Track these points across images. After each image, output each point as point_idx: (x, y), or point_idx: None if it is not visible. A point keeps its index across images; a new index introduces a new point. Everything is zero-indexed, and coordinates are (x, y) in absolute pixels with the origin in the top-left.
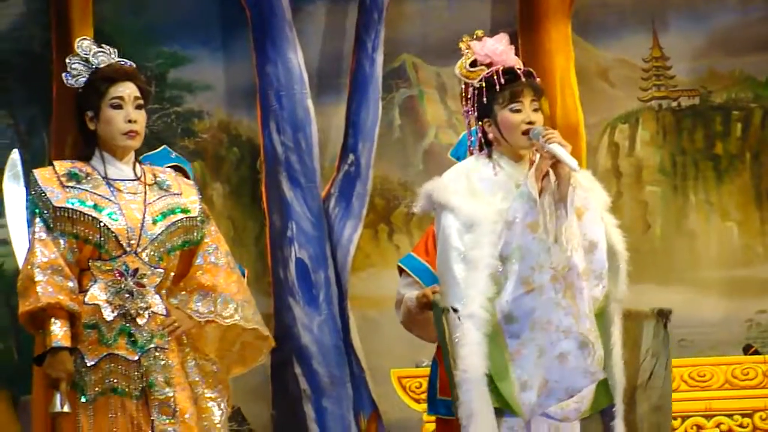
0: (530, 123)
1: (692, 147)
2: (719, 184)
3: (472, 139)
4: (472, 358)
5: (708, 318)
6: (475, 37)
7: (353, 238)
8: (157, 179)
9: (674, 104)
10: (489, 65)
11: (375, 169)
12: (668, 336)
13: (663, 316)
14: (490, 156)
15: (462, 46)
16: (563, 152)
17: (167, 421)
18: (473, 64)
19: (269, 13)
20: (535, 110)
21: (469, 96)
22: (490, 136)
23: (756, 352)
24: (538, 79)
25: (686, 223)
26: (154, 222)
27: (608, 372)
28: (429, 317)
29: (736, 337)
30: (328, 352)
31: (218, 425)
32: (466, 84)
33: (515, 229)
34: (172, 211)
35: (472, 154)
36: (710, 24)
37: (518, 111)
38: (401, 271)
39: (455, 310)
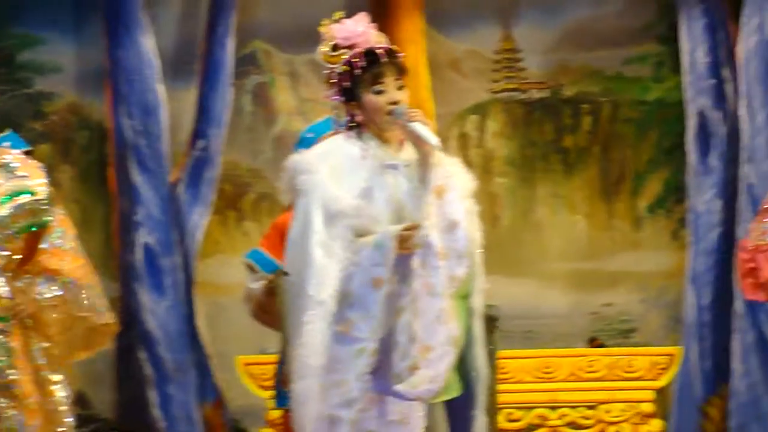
0: (394, 103)
1: (541, 139)
2: (567, 177)
3: (340, 123)
4: (314, 345)
5: (554, 310)
6: (335, 20)
7: (201, 224)
8: (4, 161)
9: (524, 96)
10: (350, 47)
11: (224, 156)
12: (495, 341)
13: (491, 320)
14: (359, 137)
15: (322, 30)
16: (424, 130)
17: (10, 404)
18: (335, 48)
19: None
20: (400, 88)
21: (333, 81)
22: (358, 118)
23: (600, 345)
24: (401, 56)
25: (534, 216)
26: (0, 203)
27: (470, 363)
28: (275, 306)
29: (582, 330)
30: (173, 337)
31: (62, 408)
32: (329, 69)
33: (357, 276)
34: (18, 194)
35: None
36: (562, 17)
37: (381, 92)
38: (248, 266)
39: (286, 274)
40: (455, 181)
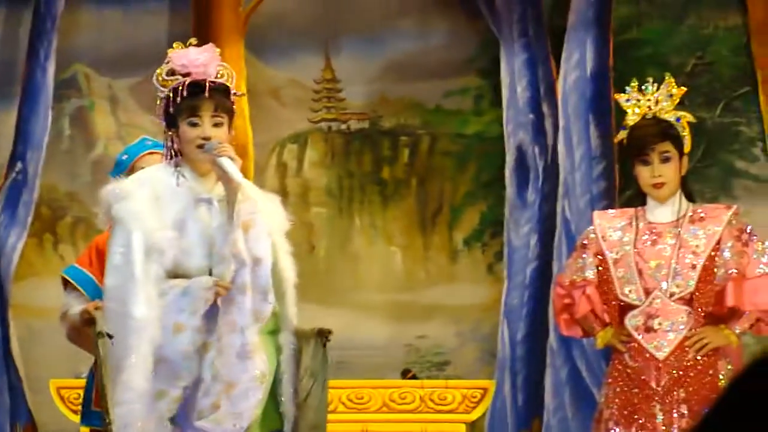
0: (206, 138)
1: (360, 170)
2: (385, 209)
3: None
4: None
5: (368, 341)
6: (187, 45)
7: (17, 247)
8: None
9: (344, 127)
10: (186, 75)
11: (42, 179)
12: (327, 356)
13: (322, 335)
14: (176, 166)
15: (169, 52)
16: (231, 166)
17: None
18: (170, 72)
19: None
20: (216, 125)
21: (160, 104)
22: (175, 146)
23: (414, 377)
24: (234, 95)
25: (350, 246)
26: None
27: (280, 399)
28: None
29: (396, 361)
30: None
31: None
32: (159, 92)
33: (160, 319)
34: None
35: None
36: (383, 49)
37: (195, 125)
38: (65, 282)
39: (110, 336)
40: (261, 217)
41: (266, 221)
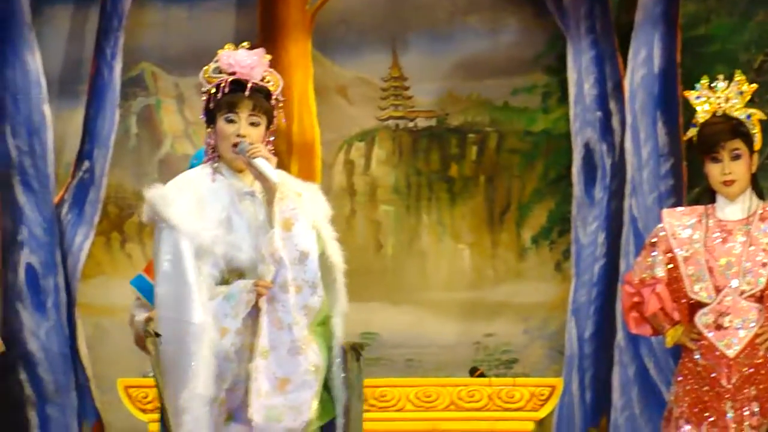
0: (241, 136)
1: (427, 168)
2: (452, 206)
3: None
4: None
5: (436, 339)
6: (240, 46)
7: (84, 246)
8: None
9: (411, 125)
10: (231, 74)
11: (109, 177)
12: (362, 369)
13: (356, 350)
14: (215, 165)
15: (219, 53)
16: (266, 166)
17: None
18: (217, 71)
19: (8, 14)
20: (253, 124)
21: (203, 99)
22: (213, 142)
23: (482, 375)
24: (275, 100)
25: (418, 244)
26: None
27: (331, 386)
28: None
29: (464, 359)
30: (54, 359)
31: None
32: (203, 89)
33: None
34: None
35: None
36: (451, 47)
37: (232, 122)
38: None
39: (157, 335)
40: (303, 211)
41: (308, 213)
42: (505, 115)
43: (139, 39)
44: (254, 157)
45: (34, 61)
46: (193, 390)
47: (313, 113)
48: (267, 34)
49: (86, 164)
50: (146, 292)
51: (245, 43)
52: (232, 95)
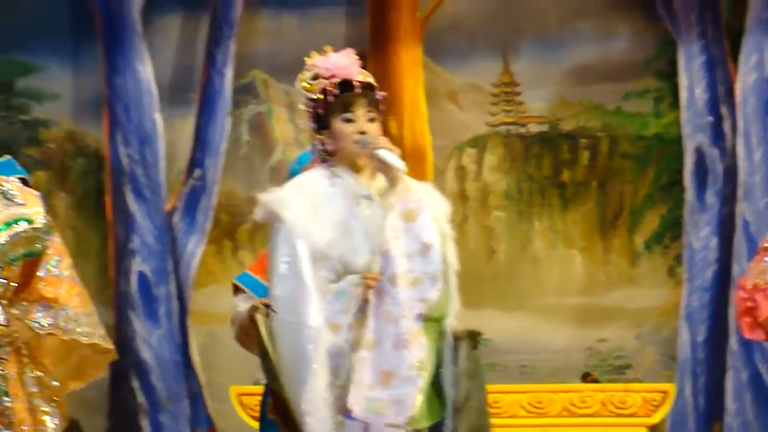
0: (362, 132)
1: (539, 174)
2: (564, 212)
3: (316, 152)
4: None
5: (549, 345)
6: (322, 52)
7: (196, 253)
8: (2, 189)
9: (522, 130)
10: (330, 78)
11: (221, 185)
12: (480, 357)
13: (473, 337)
14: (332, 168)
15: (307, 60)
16: (390, 155)
17: (4, 431)
18: (315, 77)
19: (119, 24)
20: (370, 120)
21: (308, 109)
22: (329, 147)
23: (594, 381)
24: (380, 93)
25: (530, 250)
26: None
27: (441, 384)
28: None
29: (576, 365)
30: (166, 367)
31: None
32: (306, 97)
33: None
34: (16, 221)
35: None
36: (562, 52)
37: (350, 121)
38: (236, 289)
39: (267, 306)
40: (427, 204)
41: (431, 207)
42: (617, 120)
43: (249, 47)
44: (378, 149)
45: (145, 70)
46: (313, 392)
47: (425, 119)
48: (377, 41)
49: (198, 172)
50: (254, 287)
51: (327, 48)
52: (345, 95)
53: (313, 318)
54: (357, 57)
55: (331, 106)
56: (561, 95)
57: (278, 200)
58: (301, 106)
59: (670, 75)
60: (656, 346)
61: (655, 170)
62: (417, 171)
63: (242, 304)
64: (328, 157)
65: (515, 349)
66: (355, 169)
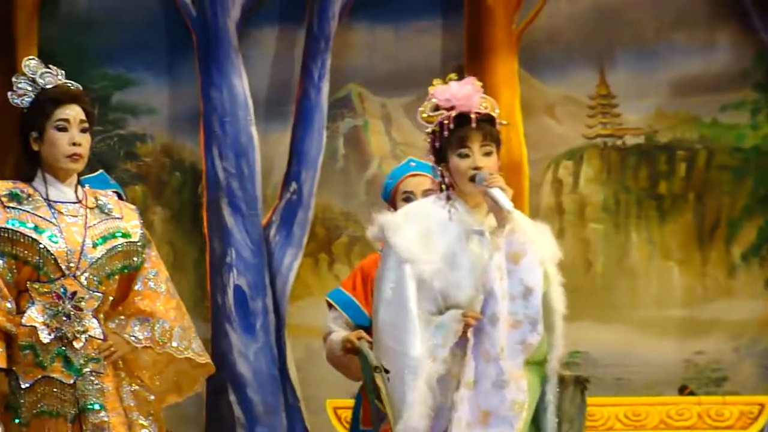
0: (477, 168)
1: (636, 186)
2: (662, 224)
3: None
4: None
5: (646, 357)
6: (447, 80)
7: (293, 267)
8: (99, 203)
9: (619, 142)
10: (449, 109)
11: (317, 198)
12: (585, 403)
13: (580, 383)
14: (448, 199)
15: (430, 90)
16: (501, 196)
17: None
18: (435, 108)
19: (215, 38)
20: (486, 155)
21: (428, 140)
22: (447, 180)
23: (691, 393)
24: (499, 124)
25: (627, 262)
26: (94, 245)
27: (544, 428)
28: (351, 360)
29: (673, 378)
30: (263, 380)
31: None
32: (426, 129)
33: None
34: (113, 235)
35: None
36: (658, 63)
37: (466, 156)
38: (330, 304)
39: (386, 371)
40: (533, 247)
41: (538, 251)
42: (714, 131)
43: (345, 60)
44: (491, 188)
45: (242, 84)
46: (407, 422)
47: (521, 132)
48: (473, 54)
49: (294, 186)
50: (344, 304)
51: (453, 75)
52: (460, 129)
53: (415, 348)
54: (480, 85)
55: (447, 140)
56: (657, 107)
57: (391, 224)
58: (424, 139)
59: (767, 87)
60: (754, 358)
61: (752, 182)
62: (513, 185)
63: (333, 324)
64: (446, 189)
65: (612, 361)
66: (471, 204)
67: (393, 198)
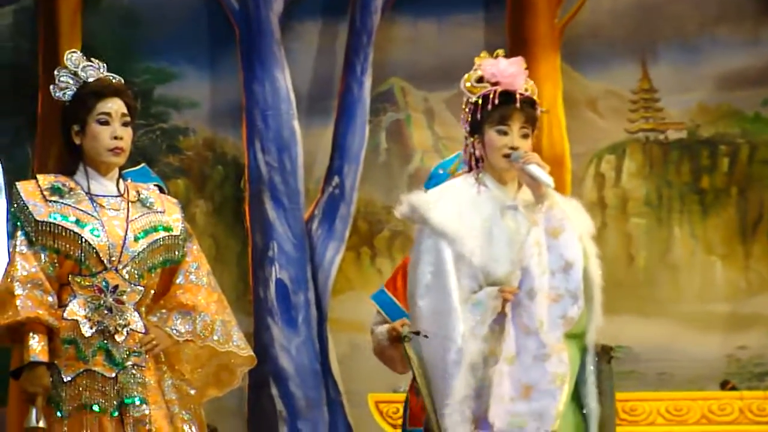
0: (513, 148)
1: (678, 180)
2: (704, 218)
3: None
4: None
5: (688, 352)
6: (495, 55)
7: (335, 261)
8: (141, 196)
9: (662, 137)
10: (494, 84)
11: (359, 192)
12: (612, 372)
13: (606, 353)
14: (478, 176)
15: (476, 60)
16: (539, 171)
17: None
18: (479, 80)
19: (258, 32)
20: (524, 136)
21: (466, 110)
22: (477, 153)
23: (733, 388)
24: (540, 110)
25: (670, 256)
26: (136, 239)
27: (584, 400)
28: (398, 350)
29: (716, 372)
30: (305, 374)
31: None
32: (467, 98)
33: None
34: (155, 229)
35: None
36: (700, 57)
37: (504, 134)
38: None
39: (417, 333)
40: (571, 222)
41: (576, 226)
42: (756, 126)
43: (388, 54)
44: (528, 164)
45: (284, 78)
46: (452, 407)
47: (563, 126)
48: (516, 48)
49: (336, 180)
50: (387, 306)
51: (500, 51)
52: (504, 107)
53: (457, 331)
54: (525, 67)
55: (488, 113)
56: (700, 101)
57: (425, 202)
58: (462, 106)
59: None
60: None
61: None
62: (555, 178)
63: (378, 328)
64: (475, 163)
65: (654, 356)
66: (501, 180)
67: None
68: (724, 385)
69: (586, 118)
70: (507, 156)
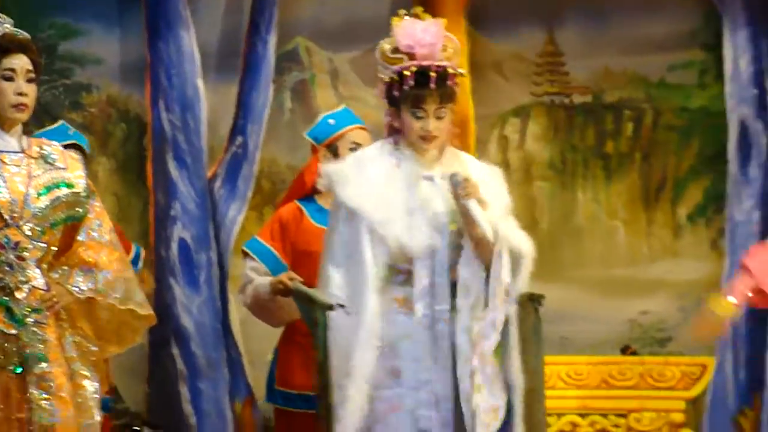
0: (428, 131)
1: (583, 144)
2: (608, 183)
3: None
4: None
5: (590, 316)
6: (412, 14)
7: (237, 220)
8: (43, 152)
9: (567, 101)
10: (410, 56)
11: (263, 152)
12: (540, 321)
13: (534, 300)
14: (396, 145)
15: (394, 22)
16: (477, 210)
17: (44, 395)
18: (395, 50)
19: None
20: (439, 118)
21: (381, 84)
22: (396, 124)
23: (634, 353)
24: (459, 72)
25: (573, 221)
26: (38, 195)
27: (508, 369)
28: (279, 303)
29: (618, 337)
30: (206, 333)
31: (91, 402)
32: (382, 67)
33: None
34: (57, 186)
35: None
36: (607, 22)
37: (419, 117)
38: (245, 254)
39: (342, 306)
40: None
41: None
42: (661, 91)
43: (293, 13)
44: (467, 200)
45: (188, 36)
46: (357, 382)
47: (468, 90)
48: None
49: (240, 139)
50: (261, 254)
51: (420, 9)
52: (418, 89)
53: (371, 303)
54: (444, 23)
55: (403, 94)
56: (605, 66)
57: (340, 175)
58: (379, 75)
59: (715, 47)
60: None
61: (698, 143)
62: (460, 141)
63: (252, 273)
64: (394, 133)
65: (556, 320)
66: (419, 151)
67: (334, 143)
68: (625, 350)
69: (491, 81)
70: (423, 138)
